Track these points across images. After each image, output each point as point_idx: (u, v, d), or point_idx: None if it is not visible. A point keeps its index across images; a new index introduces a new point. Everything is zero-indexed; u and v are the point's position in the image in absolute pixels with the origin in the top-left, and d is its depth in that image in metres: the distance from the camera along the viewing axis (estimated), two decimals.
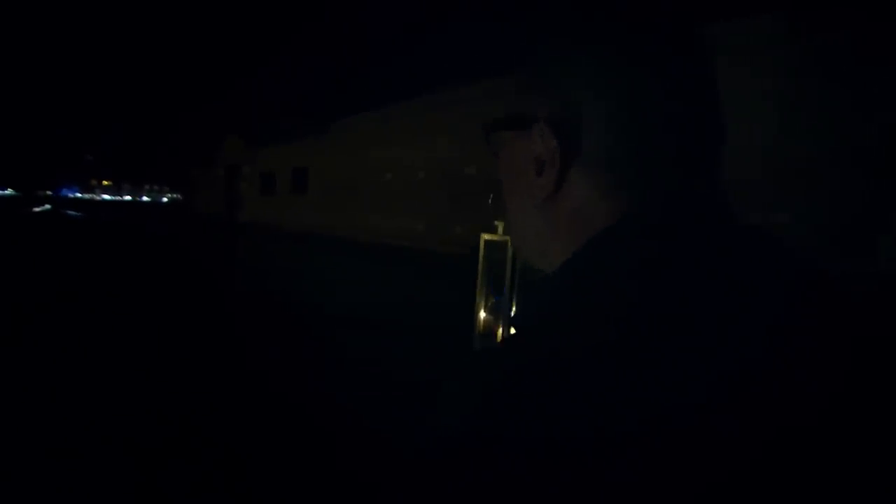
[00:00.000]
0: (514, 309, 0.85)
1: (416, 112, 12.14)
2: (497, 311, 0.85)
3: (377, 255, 10.08)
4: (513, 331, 0.79)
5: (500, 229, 0.86)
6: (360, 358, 3.27)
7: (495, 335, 0.87)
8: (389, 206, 12.84)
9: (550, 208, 0.33)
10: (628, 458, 0.21)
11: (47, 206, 35.31)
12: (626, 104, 0.30)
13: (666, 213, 0.29)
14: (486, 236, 0.86)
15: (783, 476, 0.22)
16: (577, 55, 0.31)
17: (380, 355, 3.27)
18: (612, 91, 0.30)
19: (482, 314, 0.87)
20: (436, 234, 10.88)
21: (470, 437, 0.23)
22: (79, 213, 28.05)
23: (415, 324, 3.97)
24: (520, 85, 0.34)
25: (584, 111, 0.30)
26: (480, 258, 0.86)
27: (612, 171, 0.30)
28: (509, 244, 0.84)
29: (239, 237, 7.61)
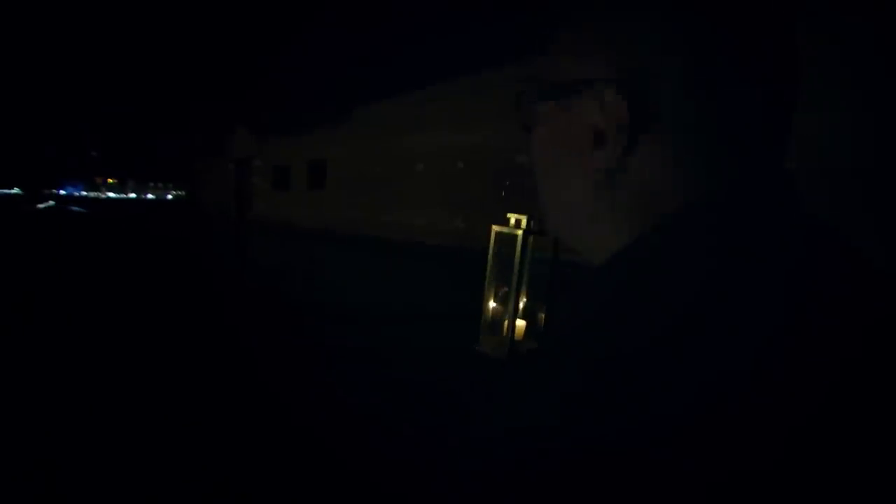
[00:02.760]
0: (522, 301, 0.96)
1: (453, 95, 11.86)
2: (505, 303, 0.96)
3: (409, 255, 10.07)
4: (521, 322, 0.88)
5: (511, 221, 0.96)
6: (394, 373, 3.31)
7: (502, 326, 0.97)
8: (423, 201, 12.78)
9: (608, 187, 0.32)
10: (688, 456, 0.23)
11: (51, 203, 37.98)
12: (704, 67, 0.29)
13: (737, 198, 0.29)
14: (496, 228, 0.96)
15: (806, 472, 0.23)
16: (648, 10, 0.30)
17: (418, 371, 3.34)
18: (689, 50, 0.29)
19: (490, 304, 0.97)
20: (478, 232, 10.76)
21: (516, 456, 0.24)
22: (82, 209, 30.17)
23: (455, 331, 4.01)
24: (562, 47, 0.34)
25: (656, 73, 0.29)
26: (490, 250, 0.96)
27: (687, 146, 0.30)
28: (519, 237, 0.94)
29: (250, 234, 7.88)
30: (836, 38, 5.68)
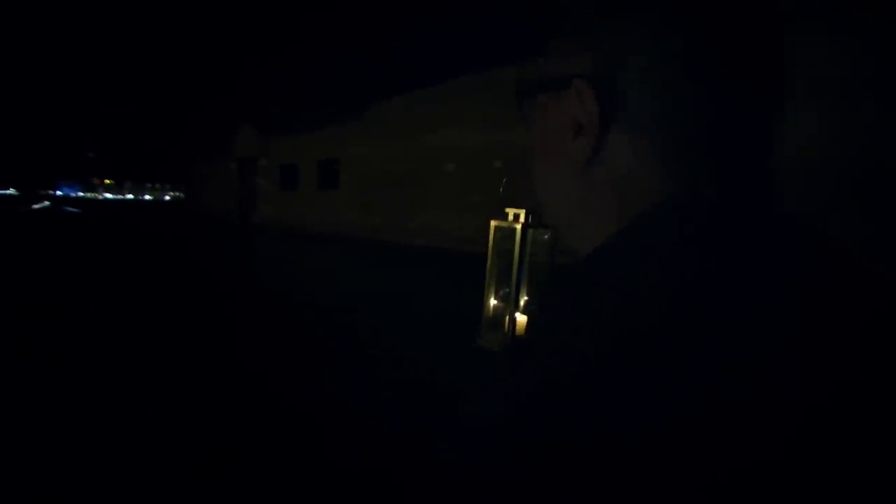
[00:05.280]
0: (523, 297, 1.04)
1: (488, 88, 11.37)
2: (507, 299, 1.05)
3: (438, 263, 9.73)
4: (521, 317, 0.97)
5: (510, 216, 1.06)
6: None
7: (504, 323, 1.06)
8: (452, 204, 12.42)
9: (588, 178, 0.35)
10: (675, 458, 0.24)
11: (46, 203, 39.77)
12: (676, 66, 0.32)
13: (714, 193, 0.32)
14: (494, 222, 1.06)
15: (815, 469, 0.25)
16: (623, 9, 0.34)
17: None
18: (657, 51, 0.32)
19: (492, 301, 1.06)
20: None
21: (509, 442, 0.25)
22: (77, 210, 31.62)
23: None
24: (557, 45, 0.38)
25: (629, 68, 0.33)
26: (490, 245, 1.06)
27: (658, 139, 0.33)
28: (518, 231, 1.04)
29: (255, 239, 7.97)
30: (825, 38, 5.72)
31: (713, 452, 0.24)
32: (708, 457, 0.24)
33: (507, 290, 1.05)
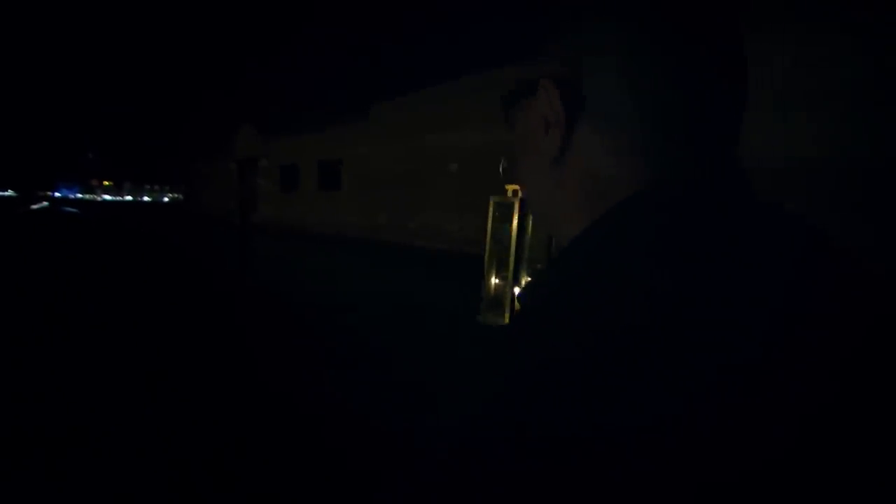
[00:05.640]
0: (524, 275, 1.07)
1: (493, 87, 11.84)
2: (505, 273, 1.07)
3: (439, 264, 9.77)
4: (517, 304, 0.98)
5: (509, 192, 1.09)
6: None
7: (503, 301, 1.09)
8: (453, 204, 12.47)
9: (561, 172, 0.38)
10: (652, 455, 0.24)
11: (45, 204, 40.06)
12: (637, 63, 0.34)
13: (687, 185, 0.33)
14: (494, 198, 1.08)
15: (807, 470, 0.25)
16: (583, 12, 0.36)
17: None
18: (620, 48, 0.34)
19: (492, 280, 1.09)
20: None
21: (482, 434, 0.26)
22: (75, 210, 31.84)
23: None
24: (534, 46, 0.40)
25: (589, 67, 0.35)
26: (489, 222, 1.08)
27: (624, 133, 0.35)
28: (515, 206, 1.07)
29: (255, 239, 7.95)
30: (825, 38, 5.79)
31: (701, 453, 0.24)
32: (695, 458, 0.24)
33: (506, 274, 1.08)
